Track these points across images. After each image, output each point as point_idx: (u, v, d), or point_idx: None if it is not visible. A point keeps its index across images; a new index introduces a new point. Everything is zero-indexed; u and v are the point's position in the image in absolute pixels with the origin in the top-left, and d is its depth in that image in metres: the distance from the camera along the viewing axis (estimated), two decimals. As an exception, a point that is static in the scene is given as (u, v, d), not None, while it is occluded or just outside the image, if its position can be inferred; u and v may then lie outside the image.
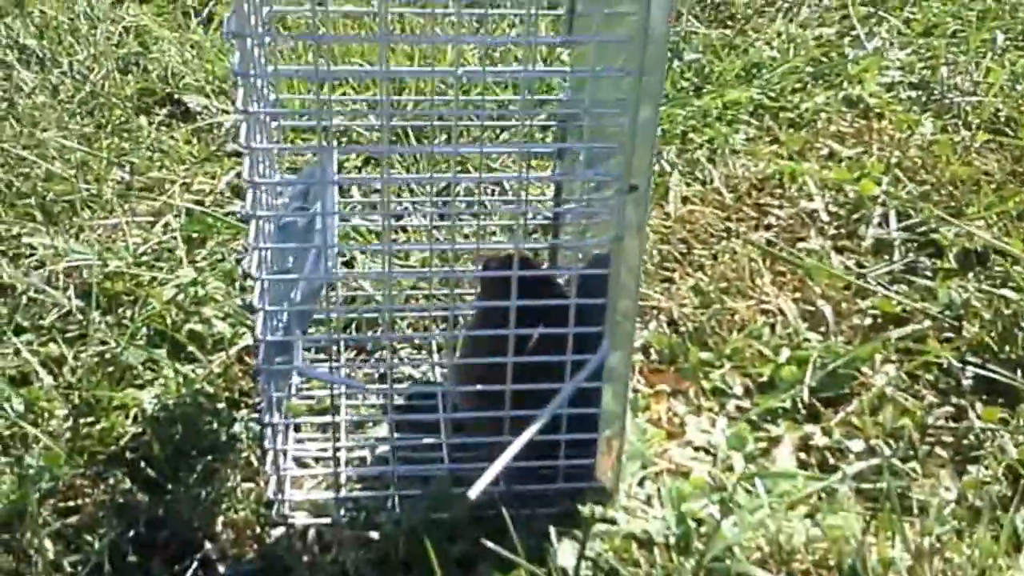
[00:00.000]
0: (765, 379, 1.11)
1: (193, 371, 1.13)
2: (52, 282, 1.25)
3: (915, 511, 0.95)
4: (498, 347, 0.89)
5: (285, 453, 0.99)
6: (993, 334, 1.14)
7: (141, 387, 1.12)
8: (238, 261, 1.28)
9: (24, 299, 1.23)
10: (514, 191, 1.36)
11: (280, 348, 0.91)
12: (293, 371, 0.95)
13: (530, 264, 1.00)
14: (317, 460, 1.03)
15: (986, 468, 1.00)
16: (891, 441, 1.03)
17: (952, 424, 1.06)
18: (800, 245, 1.30)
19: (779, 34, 1.78)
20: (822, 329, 1.17)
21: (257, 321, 0.88)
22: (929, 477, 1.00)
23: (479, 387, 0.93)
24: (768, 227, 1.34)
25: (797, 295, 1.23)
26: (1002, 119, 1.53)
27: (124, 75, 1.72)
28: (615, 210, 0.83)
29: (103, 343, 1.16)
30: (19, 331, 1.19)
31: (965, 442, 1.03)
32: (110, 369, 1.13)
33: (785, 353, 1.13)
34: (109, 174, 1.46)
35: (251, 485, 1.00)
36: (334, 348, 0.96)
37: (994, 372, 1.10)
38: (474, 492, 0.83)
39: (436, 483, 0.97)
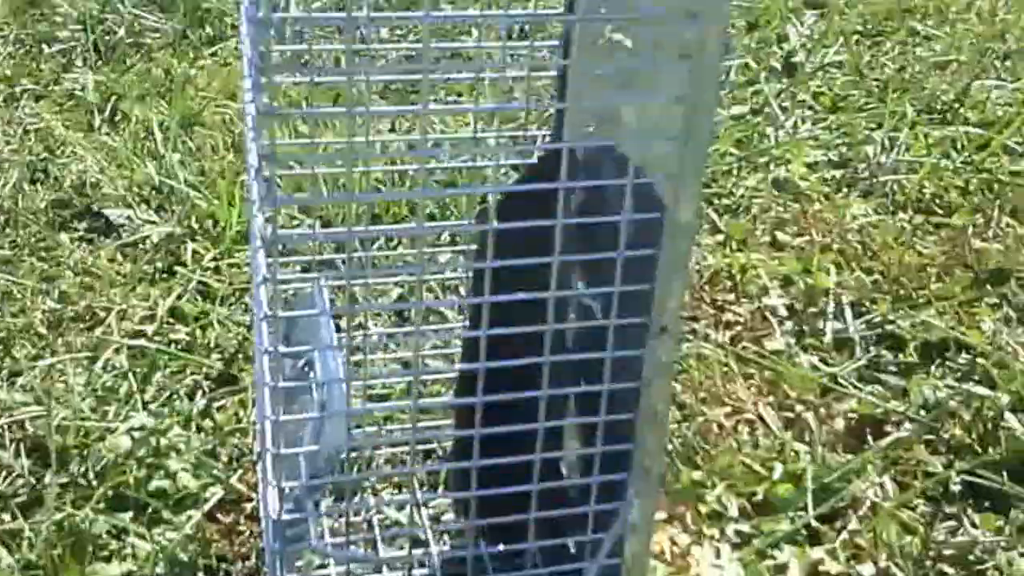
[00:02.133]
0: (760, 498, 1.05)
1: (163, 535, 1.01)
2: (-9, 437, 1.12)
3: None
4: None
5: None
6: (973, 435, 1.10)
7: (109, 559, 0.99)
8: (189, 397, 1.17)
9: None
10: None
11: (290, 524, 0.80)
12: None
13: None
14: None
15: (997, 585, 0.96)
16: (899, 562, 0.98)
17: (953, 539, 1.01)
18: (766, 345, 1.25)
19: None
20: (805, 437, 1.12)
21: (269, 498, 0.77)
22: (945, 599, 0.95)
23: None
24: (728, 324, 1.29)
25: (771, 399, 1.18)
26: (928, 196, 1.51)
27: (33, 185, 1.57)
28: (644, 353, 0.75)
29: (60, 509, 1.03)
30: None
31: (970, 557, 0.99)
32: (72, 540, 1.00)
33: (777, 468, 1.07)
34: (37, 303, 1.32)
35: (248, 671, 0.89)
36: (351, 518, 0.86)
37: (982, 478, 1.06)
38: None
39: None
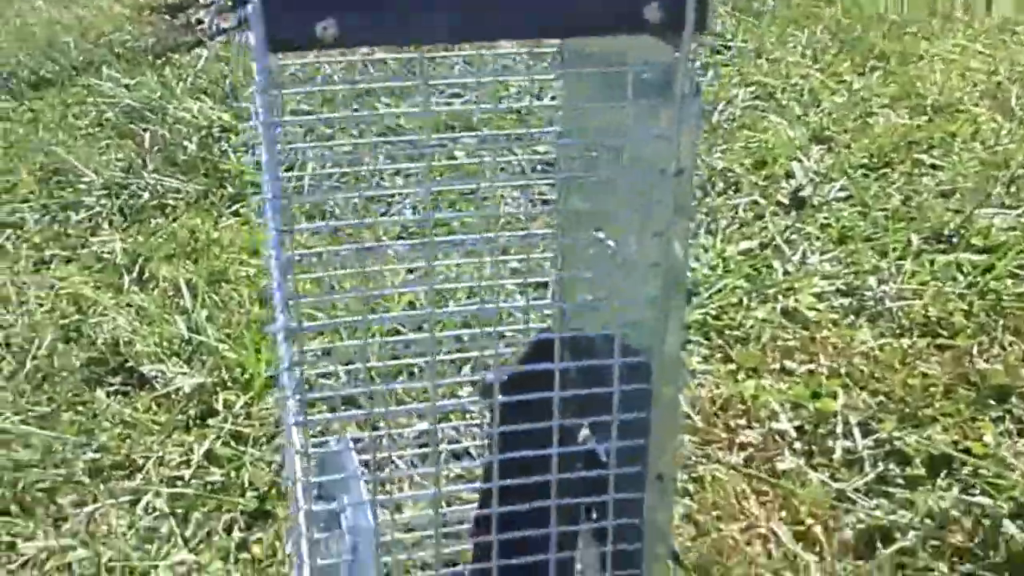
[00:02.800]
0: (774, 607, 1.20)
1: (210, 660, 1.16)
2: (41, 577, 1.28)
3: None
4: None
5: None
6: (975, 540, 1.25)
7: None
8: (227, 532, 1.33)
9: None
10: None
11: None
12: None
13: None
14: None
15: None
16: (908, 659, 1.12)
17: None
18: (778, 465, 1.40)
19: (705, 249, 1.93)
20: (816, 548, 1.27)
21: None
22: None
23: None
24: (742, 446, 1.45)
25: (783, 514, 1.32)
26: (933, 320, 1.68)
27: (67, 344, 1.77)
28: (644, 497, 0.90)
29: (111, 642, 1.19)
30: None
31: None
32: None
33: (789, 579, 1.22)
34: (77, 455, 1.49)
35: None
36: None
37: (984, 578, 1.20)
38: None
39: None
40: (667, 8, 0.72)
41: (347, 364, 1.34)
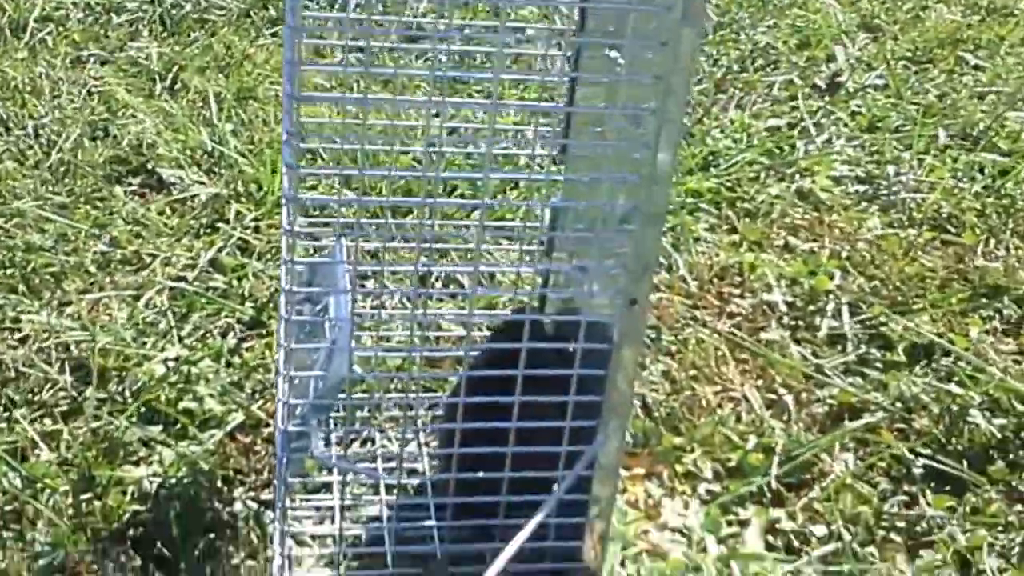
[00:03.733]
0: (733, 464, 1.23)
1: (187, 448, 1.21)
2: (37, 354, 1.33)
3: (875, 594, 1.07)
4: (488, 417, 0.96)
5: (288, 534, 1.07)
6: (940, 426, 1.27)
7: (137, 463, 1.20)
8: (222, 336, 1.37)
9: (13, 373, 1.30)
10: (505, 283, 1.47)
11: (296, 436, 1.00)
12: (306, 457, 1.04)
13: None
14: (314, 538, 1.12)
15: (937, 554, 1.12)
16: (851, 527, 1.15)
17: (905, 511, 1.18)
18: (762, 335, 1.42)
19: (732, 122, 1.92)
20: (784, 417, 1.30)
21: (279, 412, 0.97)
22: (886, 561, 1.12)
23: (473, 473, 1.02)
24: (731, 315, 1.47)
25: (760, 382, 1.35)
26: (944, 215, 1.68)
27: (93, 142, 1.80)
28: (614, 319, 0.94)
29: (97, 418, 1.24)
30: (11, 406, 1.26)
31: (918, 529, 1.16)
32: (105, 445, 1.21)
33: (752, 440, 1.25)
34: (89, 246, 1.53)
35: (253, 563, 1.08)
36: (346, 438, 1.05)
37: (941, 463, 1.23)
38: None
39: (434, 565, 1.07)
40: None
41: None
